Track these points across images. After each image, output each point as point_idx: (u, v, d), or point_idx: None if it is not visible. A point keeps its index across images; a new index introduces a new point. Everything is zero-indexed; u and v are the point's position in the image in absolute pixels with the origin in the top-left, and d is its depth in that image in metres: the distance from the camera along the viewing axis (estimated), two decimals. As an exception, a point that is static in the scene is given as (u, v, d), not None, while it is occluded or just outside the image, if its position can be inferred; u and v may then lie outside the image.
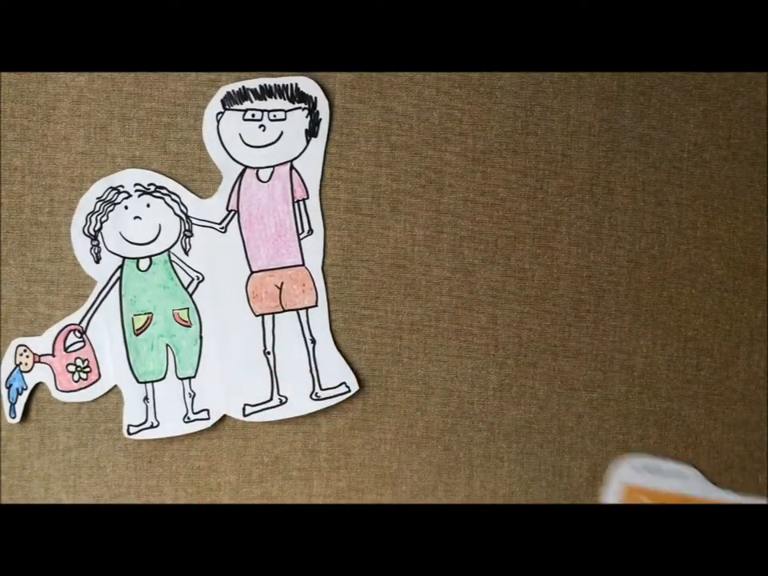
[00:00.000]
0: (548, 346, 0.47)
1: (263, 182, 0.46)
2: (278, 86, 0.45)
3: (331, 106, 0.45)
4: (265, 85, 0.45)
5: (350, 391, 0.46)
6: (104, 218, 0.45)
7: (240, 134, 0.45)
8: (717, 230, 0.46)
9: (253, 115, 0.45)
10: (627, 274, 0.46)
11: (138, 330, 0.46)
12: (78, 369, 0.46)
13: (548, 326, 0.47)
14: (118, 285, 0.46)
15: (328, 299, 0.46)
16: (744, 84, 0.45)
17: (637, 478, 0.46)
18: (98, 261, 0.46)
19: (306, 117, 0.45)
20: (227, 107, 0.45)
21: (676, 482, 0.46)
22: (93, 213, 0.45)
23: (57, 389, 0.46)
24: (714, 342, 0.47)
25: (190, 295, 0.46)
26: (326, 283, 0.46)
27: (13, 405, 0.46)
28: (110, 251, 0.46)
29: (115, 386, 0.46)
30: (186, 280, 0.46)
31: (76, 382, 0.46)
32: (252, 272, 0.46)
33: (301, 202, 0.46)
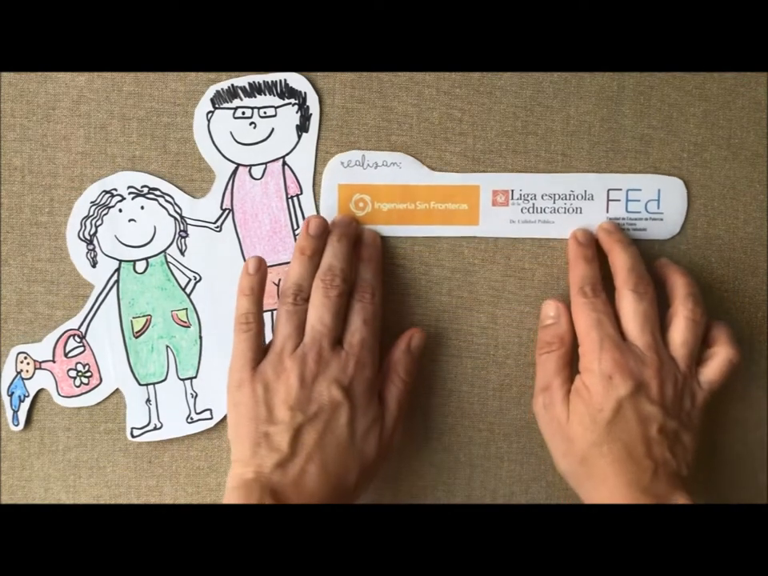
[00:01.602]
0: (548, 345, 0.47)
1: (256, 179, 0.46)
2: (267, 82, 0.45)
3: (321, 101, 0.45)
4: (254, 82, 0.45)
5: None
6: (99, 222, 0.45)
7: (231, 132, 0.45)
8: (717, 230, 0.46)
9: (243, 113, 0.45)
10: (627, 273, 0.46)
11: (137, 332, 0.46)
12: (80, 374, 0.46)
13: (548, 325, 0.47)
14: (115, 288, 0.46)
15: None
16: (744, 84, 0.45)
17: (348, 176, 0.45)
18: (94, 265, 0.46)
19: (297, 112, 0.45)
20: (217, 106, 0.45)
21: (389, 171, 0.45)
22: (87, 217, 0.45)
23: (59, 395, 0.46)
24: (714, 342, 0.47)
25: (188, 295, 0.46)
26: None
27: (16, 412, 0.46)
28: (106, 255, 0.46)
29: (116, 388, 0.47)
30: (183, 280, 0.46)
31: (77, 387, 0.46)
32: (249, 270, 0.46)
33: (295, 198, 0.46)
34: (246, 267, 0.43)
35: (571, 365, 0.44)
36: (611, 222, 0.45)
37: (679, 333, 0.42)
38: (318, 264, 0.43)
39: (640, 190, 0.45)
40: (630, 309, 0.42)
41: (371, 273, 0.44)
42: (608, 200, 0.46)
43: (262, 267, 0.43)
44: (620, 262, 0.43)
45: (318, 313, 0.42)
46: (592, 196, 0.45)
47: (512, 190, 0.45)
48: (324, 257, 0.43)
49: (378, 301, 0.44)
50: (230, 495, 0.40)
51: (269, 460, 0.41)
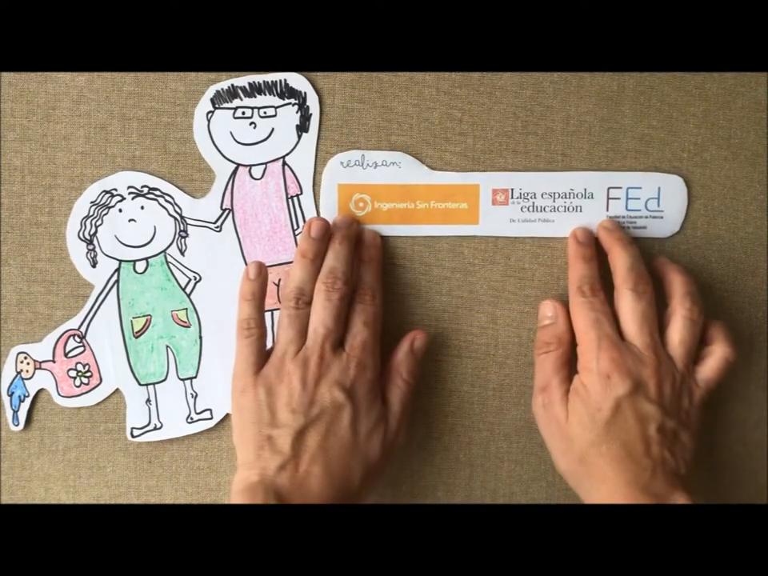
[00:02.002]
0: (548, 345, 0.47)
1: (256, 179, 0.46)
2: (267, 82, 0.45)
3: (321, 101, 0.45)
4: (254, 82, 0.45)
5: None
6: (99, 222, 0.45)
7: (231, 132, 0.45)
8: (717, 230, 0.46)
9: (243, 113, 0.45)
10: (627, 273, 0.46)
11: (137, 332, 0.46)
12: (80, 374, 0.46)
13: (548, 325, 0.47)
14: (115, 288, 0.46)
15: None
16: (744, 84, 0.45)
17: (348, 176, 0.45)
18: (94, 265, 0.46)
19: (297, 112, 0.45)
20: (217, 106, 0.45)
21: (389, 171, 0.45)
22: (87, 217, 0.45)
23: (59, 395, 0.46)
24: (714, 342, 0.47)
25: (188, 295, 0.46)
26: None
27: (16, 412, 0.46)
28: (106, 255, 0.46)
29: (116, 388, 0.47)
30: (183, 280, 0.46)
31: (77, 387, 0.46)
32: (249, 270, 0.46)
33: (295, 198, 0.46)
34: (247, 273, 0.43)
35: (569, 364, 0.44)
36: (612, 220, 0.45)
37: (677, 332, 0.43)
38: (319, 267, 0.43)
39: (640, 188, 0.45)
40: (629, 308, 0.42)
41: (371, 274, 0.44)
42: (608, 198, 0.46)
43: (262, 272, 0.43)
44: (620, 260, 0.43)
45: (320, 316, 0.42)
46: (592, 194, 0.45)
47: (512, 189, 0.45)
48: (326, 259, 0.43)
49: (379, 302, 0.44)
50: (235, 499, 0.40)
51: (272, 462, 0.41)
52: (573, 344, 0.44)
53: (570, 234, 0.45)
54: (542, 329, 0.45)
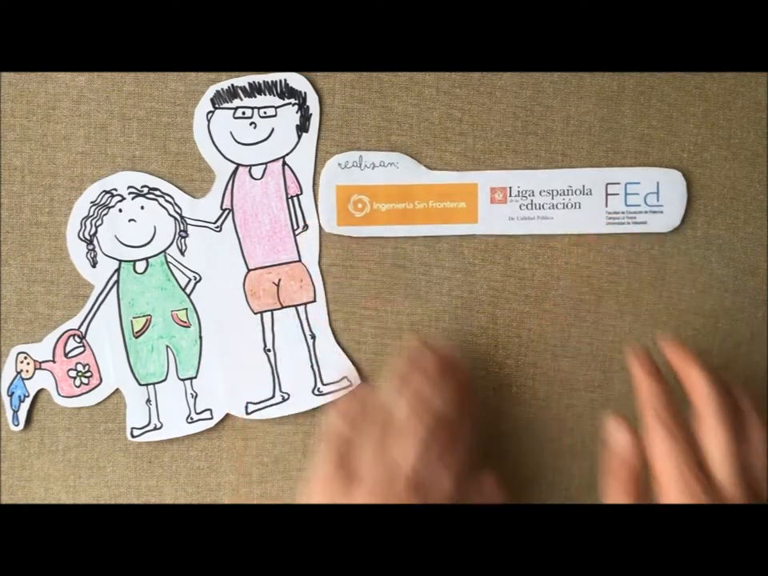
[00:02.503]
0: (548, 346, 0.47)
1: (256, 179, 0.46)
2: (267, 82, 0.45)
3: (321, 101, 0.45)
4: (254, 82, 0.45)
5: (351, 385, 0.46)
6: (99, 222, 0.45)
7: (231, 132, 0.45)
8: (717, 230, 0.46)
9: (243, 113, 0.45)
10: (627, 274, 0.46)
11: (137, 332, 0.46)
12: (80, 374, 0.46)
13: (548, 325, 0.47)
14: (115, 288, 0.46)
15: (326, 294, 0.46)
16: (744, 84, 0.45)
17: (346, 177, 0.45)
18: (94, 265, 0.46)
19: (297, 112, 0.45)
20: (217, 106, 0.45)
21: (387, 172, 0.45)
22: (87, 217, 0.45)
23: (59, 395, 0.46)
24: (714, 342, 0.47)
25: (188, 295, 0.46)
26: (323, 279, 0.46)
27: (16, 412, 0.46)
28: (105, 255, 0.46)
29: (116, 388, 0.47)
30: (183, 281, 0.46)
31: (77, 387, 0.46)
32: (249, 270, 0.46)
33: (295, 198, 0.46)
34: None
35: (640, 491, 0.40)
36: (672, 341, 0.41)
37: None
38: None
39: (639, 183, 0.45)
40: (716, 444, 0.37)
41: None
42: (606, 194, 0.46)
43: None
44: (698, 383, 0.38)
45: None
46: (590, 191, 0.45)
47: (510, 187, 0.45)
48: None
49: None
50: None
51: None
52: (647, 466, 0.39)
53: (629, 351, 0.42)
54: (614, 455, 0.41)
